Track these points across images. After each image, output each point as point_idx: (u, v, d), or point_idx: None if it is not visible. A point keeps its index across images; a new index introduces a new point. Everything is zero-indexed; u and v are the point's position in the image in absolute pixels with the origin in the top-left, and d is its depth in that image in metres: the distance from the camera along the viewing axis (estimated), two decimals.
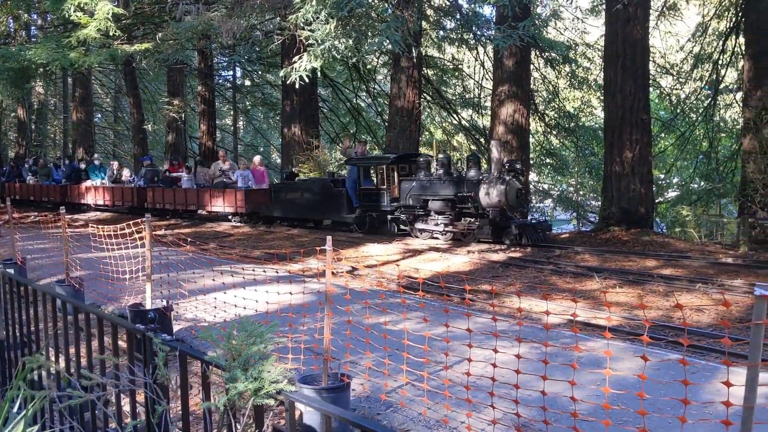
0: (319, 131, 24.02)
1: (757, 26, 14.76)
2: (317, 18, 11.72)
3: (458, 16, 19.79)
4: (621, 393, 4.29)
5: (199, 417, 4.14)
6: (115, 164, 24.35)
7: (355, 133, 28.44)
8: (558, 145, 24.47)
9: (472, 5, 17.87)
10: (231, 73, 34.71)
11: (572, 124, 22.50)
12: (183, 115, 27.68)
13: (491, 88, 19.24)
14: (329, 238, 4.42)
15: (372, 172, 15.75)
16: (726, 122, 21.01)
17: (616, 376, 5.01)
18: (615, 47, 15.56)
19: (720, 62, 19.13)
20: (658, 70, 21.46)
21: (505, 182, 13.03)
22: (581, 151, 23.18)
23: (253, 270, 7.98)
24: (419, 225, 14.48)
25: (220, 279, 7.35)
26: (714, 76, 19.52)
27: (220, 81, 33.87)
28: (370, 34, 12.69)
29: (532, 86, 20.86)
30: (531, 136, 21.89)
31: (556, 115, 23.02)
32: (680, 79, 20.98)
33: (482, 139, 23.55)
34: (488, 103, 21.49)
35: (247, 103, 35.29)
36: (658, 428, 4.05)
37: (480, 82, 24.80)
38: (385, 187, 15.11)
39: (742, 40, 17.16)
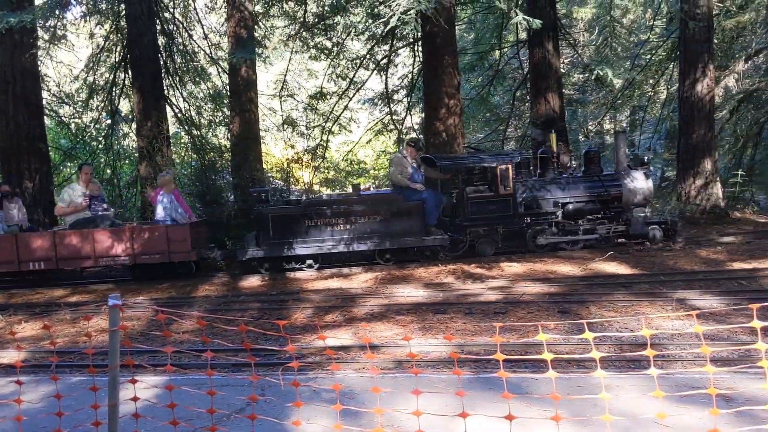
0: None
1: (140, 62, 16.07)
2: None
3: None
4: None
5: None
6: None
7: None
8: None
9: None
10: None
11: None
12: None
13: None
14: None
15: (483, 175, 12.45)
16: (126, 150, 22.16)
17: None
18: (4, 74, 14.83)
19: (114, 93, 20.09)
20: (55, 98, 21.26)
21: (648, 177, 12.57)
22: None
23: None
24: (546, 238, 12.35)
25: None
26: (110, 107, 20.38)
27: None
28: None
29: None
30: None
31: None
32: (78, 109, 21.21)
33: None
34: None
35: None
36: None
37: None
38: (509, 192, 12.17)
39: (131, 73, 18.39)
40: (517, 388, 4.68)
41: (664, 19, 22.45)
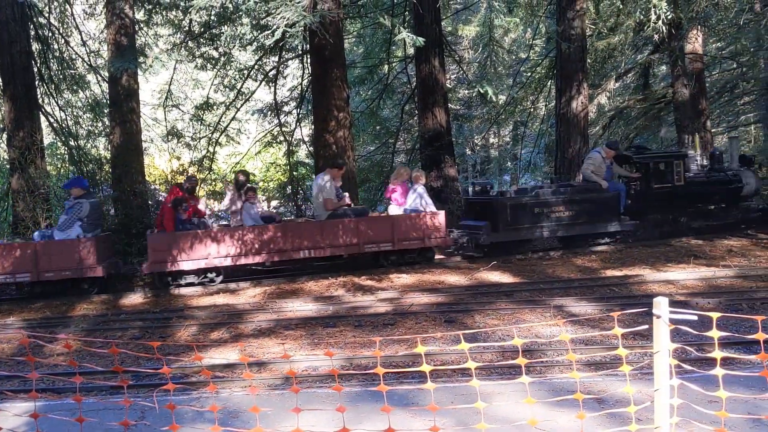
0: None
1: (12, 69, 15.13)
2: None
3: None
4: None
5: None
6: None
7: None
8: None
9: None
10: None
11: None
12: None
13: None
14: None
15: (662, 169, 13.95)
16: None
17: None
18: None
19: None
20: None
21: (755, 174, 14.95)
22: None
23: None
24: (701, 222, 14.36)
25: None
26: None
27: None
28: None
29: None
30: None
31: None
32: None
33: None
34: None
35: None
36: None
37: None
38: (680, 184, 13.96)
39: (2, 80, 17.28)
40: (404, 400, 4.74)
41: (544, 39, 23.60)
